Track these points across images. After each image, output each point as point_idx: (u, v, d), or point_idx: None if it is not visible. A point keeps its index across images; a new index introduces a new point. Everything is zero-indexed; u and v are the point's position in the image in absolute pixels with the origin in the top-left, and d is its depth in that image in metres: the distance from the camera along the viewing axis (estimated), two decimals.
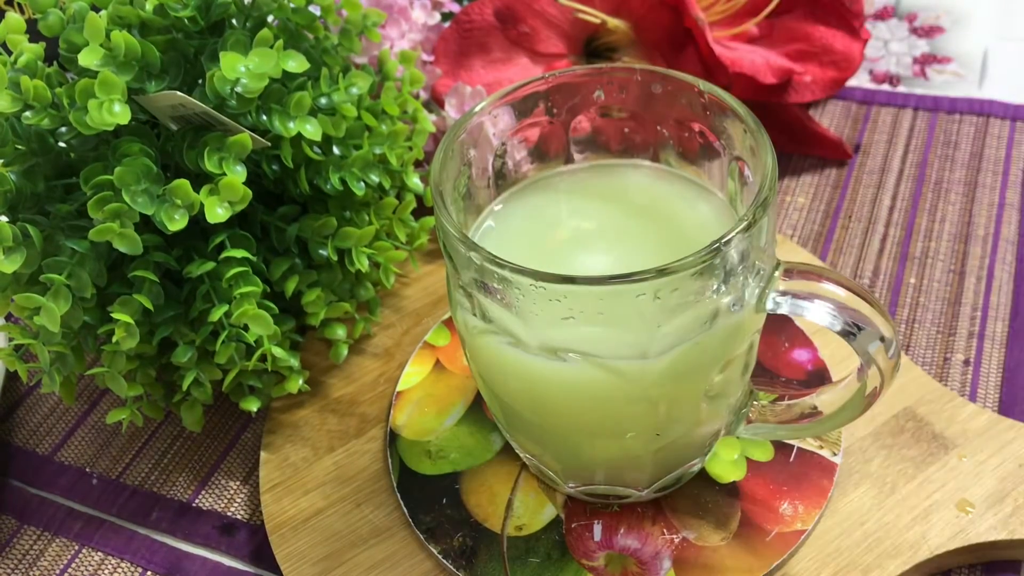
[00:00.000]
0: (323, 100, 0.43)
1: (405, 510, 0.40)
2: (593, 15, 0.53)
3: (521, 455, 0.40)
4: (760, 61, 0.52)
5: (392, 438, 0.43)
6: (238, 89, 0.39)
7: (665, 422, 0.34)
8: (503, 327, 0.32)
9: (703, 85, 0.35)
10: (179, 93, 0.38)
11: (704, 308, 0.31)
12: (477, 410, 0.43)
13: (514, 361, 0.33)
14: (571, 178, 0.39)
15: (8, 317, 0.52)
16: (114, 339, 0.39)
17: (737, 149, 0.35)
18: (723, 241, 0.30)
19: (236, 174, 0.39)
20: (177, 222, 0.38)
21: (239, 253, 0.40)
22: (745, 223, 0.30)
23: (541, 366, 0.32)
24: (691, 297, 0.30)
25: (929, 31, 0.65)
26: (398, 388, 0.45)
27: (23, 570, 0.42)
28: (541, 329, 0.31)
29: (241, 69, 0.38)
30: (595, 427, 0.35)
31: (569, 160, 0.39)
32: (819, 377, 0.43)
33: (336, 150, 0.44)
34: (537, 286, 0.30)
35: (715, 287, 0.31)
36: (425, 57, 0.53)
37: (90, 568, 0.42)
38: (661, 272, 0.29)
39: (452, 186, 0.35)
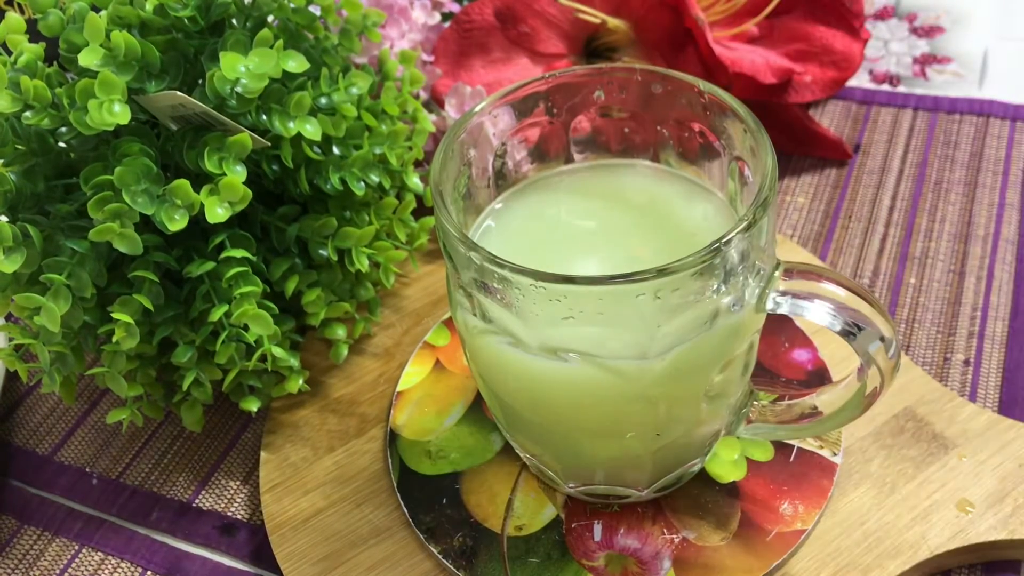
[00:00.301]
0: (323, 100, 0.43)
1: (405, 510, 0.40)
2: (593, 15, 0.53)
3: (521, 455, 0.40)
4: (760, 61, 0.52)
5: (392, 438, 0.43)
6: (238, 89, 0.39)
7: (665, 422, 0.34)
8: (503, 327, 0.32)
9: (703, 85, 0.35)
10: (179, 93, 0.38)
11: (704, 308, 0.31)
12: (477, 410, 0.43)
13: (514, 361, 0.33)
14: (571, 178, 0.39)
15: (8, 317, 0.52)
16: (114, 339, 0.39)
17: (737, 149, 0.35)
18: (723, 241, 0.30)
19: (236, 174, 0.39)
20: (177, 222, 0.38)
21: (239, 253, 0.40)
22: (745, 223, 0.30)
23: (541, 366, 0.32)
24: (691, 297, 0.30)
25: (929, 31, 0.65)
26: (398, 388, 0.45)
27: (23, 570, 0.42)
28: (541, 329, 0.31)
29: (241, 69, 0.38)
30: (595, 427, 0.35)
31: (569, 160, 0.39)
32: (819, 377, 0.43)
33: (336, 150, 0.44)
34: (537, 286, 0.30)
35: (715, 287, 0.31)
36: (425, 57, 0.53)
37: (90, 568, 0.42)
38: (661, 272, 0.29)
39: (452, 186, 0.35)
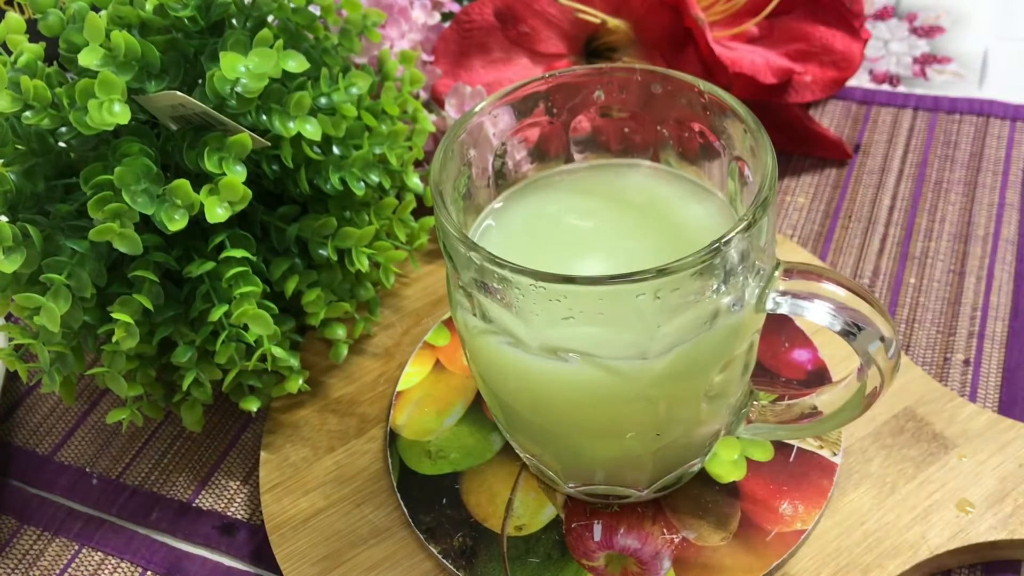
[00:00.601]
0: (323, 100, 0.43)
1: (405, 510, 0.40)
2: (593, 15, 0.53)
3: (521, 455, 0.40)
4: (760, 61, 0.52)
5: (392, 438, 0.43)
6: (238, 89, 0.39)
7: (665, 422, 0.34)
8: (503, 327, 0.32)
9: (703, 85, 0.35)
10: (179, 93, 0.38)
11: (704, 308, 0.31)
12: (477, 410, 0.43)
13: (514, 361, 0.33)
14: (571, 178, 0.39)
15: (8, 317, 0.52)
16: (114, 339, 0.39)
17: (737, 149, 0.35)
18: (723, 241, 0.30)
19: (236, 174, 0.39)
20: (177, 222, 0.38)
21: (239, 253, 0.40)
22: (745, 223, 0.30)
23: (541, 366, 0.32)
24: (691, 297, 0.30)
25: (929, 31, 0.65)
26: (398, 388, 0.45)
27: (23, 570, 0.42)
28: (541, 329, 0.31)
29: (241, 69, 0.38)
30: (595, 427, 0.35)
31: (569, 160, 0.39)
32: (819, 377, 0.43)
33: (336, 150, 0.44)
34: (537, 286, 0.30)
35: (715, 287, 0.31)
36: (425, 57, 0.53)
37: (90, 568, 0.42)
38: (661, 272, 0.29)
39: (452, 186, 0.35)
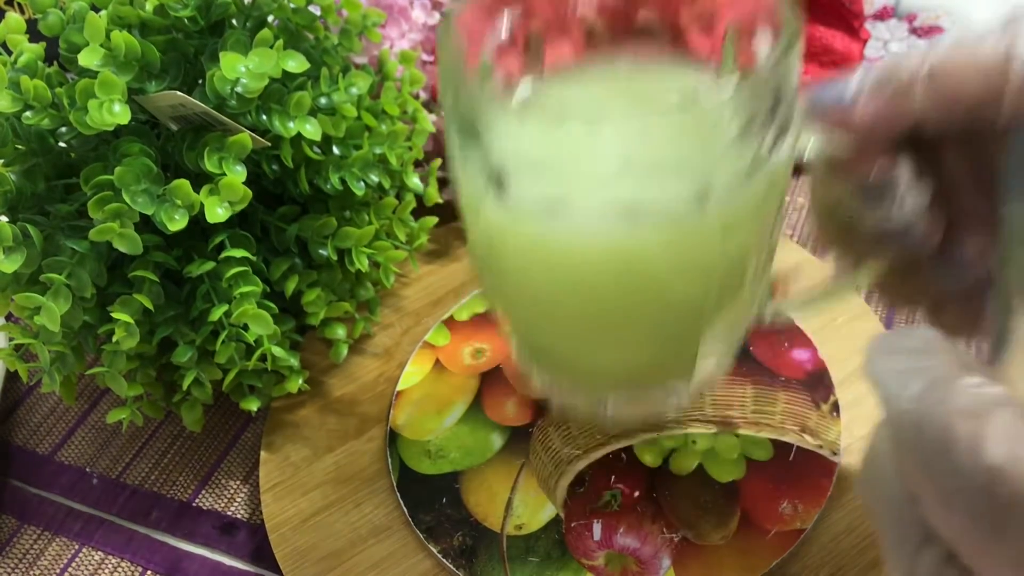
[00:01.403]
0: (323, 100, 0.43)
1: (405, 510, 0.40)
2: None
3: (543, 389, 0.38)
4: None
5: (392, 438, 0.43)
6: (238, 89, 0.39)
7: (718, 284, 0.32)
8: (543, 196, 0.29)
9: None
10: (179, 93, 0.38)
11: (745, 155, 0.29)
12: (477, 410, 0.43)
13: (552, 242, 0.30)
14: (598, 73, 0.36)
15: (8, 317, 0.52)
16: (114, 339, 0.39)
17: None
18: (759, 72, 0.28)
19: (236, 174, 0.39)
20: (177, 222, 0.38)
21: (239, 253, 0.40)
22: (784, 45, 0.28)
23: (585, 242, 0.30)
24: (736, 133, 0.28)
25: (929, 31, 0.65)
26: (398, 388, 0.45)
27: (23, 570, 0.42)
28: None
29: (241, 69, 0.38)
30: (637, 299, 0.32)
31: (596, 56, 0.36)
32: (819, 377, 0.43)
33: (336, 150, 0.44)
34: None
35: (761, 122, 0.29)
36: (425, 57, 0.53)
37: (90, 568, 0.42)
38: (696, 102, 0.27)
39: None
